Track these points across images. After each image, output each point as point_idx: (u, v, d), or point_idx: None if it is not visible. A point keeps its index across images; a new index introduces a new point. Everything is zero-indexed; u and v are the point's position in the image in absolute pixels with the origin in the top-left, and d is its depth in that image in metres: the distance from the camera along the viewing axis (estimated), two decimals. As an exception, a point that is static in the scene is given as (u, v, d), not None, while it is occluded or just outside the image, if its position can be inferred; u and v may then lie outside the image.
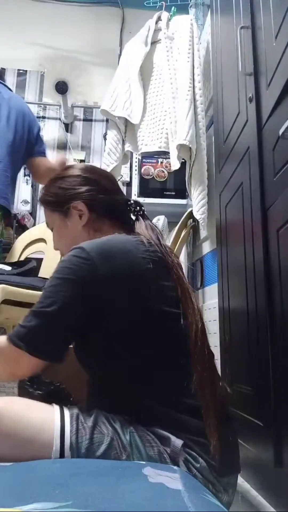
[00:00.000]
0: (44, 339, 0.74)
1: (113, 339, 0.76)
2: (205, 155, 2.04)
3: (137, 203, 0.97)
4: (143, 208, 0.97)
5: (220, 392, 0.78)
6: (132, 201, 0.97)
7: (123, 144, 2.29)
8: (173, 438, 0.69)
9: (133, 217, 0.96)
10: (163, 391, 0.74)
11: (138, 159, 2.89)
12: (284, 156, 1.04)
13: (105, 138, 3.55)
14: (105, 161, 2.34)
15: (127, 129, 2.28)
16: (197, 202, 2.04)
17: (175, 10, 2.34)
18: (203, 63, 2.29)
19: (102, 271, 0.74)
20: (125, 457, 0.66)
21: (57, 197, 0.96)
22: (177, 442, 0.69)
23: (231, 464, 0.75)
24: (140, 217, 0.95)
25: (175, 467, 0.64)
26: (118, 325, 0.76)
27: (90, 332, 0.78)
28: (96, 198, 0.93)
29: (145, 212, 0.97)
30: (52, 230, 1.01)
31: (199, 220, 2.03)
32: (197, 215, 2.03)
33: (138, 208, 0.96)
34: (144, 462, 0.64)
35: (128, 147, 2.26)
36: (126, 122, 2.25)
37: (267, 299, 1.10)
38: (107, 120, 3.60)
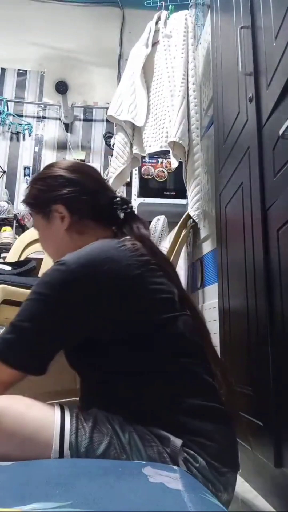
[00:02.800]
0: (22, 352, 0.73)
1: (107, 346, 0.76)
2: (199, 151, 2.02)
3: (124, 200, 0.93)
4: (130, 205, 0.94)
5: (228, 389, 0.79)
6: (118, 199, 0.93)
7: (131, 147, 2.30)
8: (172, 437, 0.69)
9: (121, 215, 0.92)
10: (162, 392, 0.74)
11: (138, 159, 2.89)
12: (284, 156, 1.04)
13: (105, 138, 3.56)
14: (113, 165, 2.35)
15: (135, 132, 2.28)
16: (191, 199, 2.05)
17: (172, 7, 2.33)
18: (203, 63, 2.29)
19: (85, 285, 0.73)
20: (125, 457, 0.66)
21: (38, 199, 0.94)
22: (177, 441, 0.69)
23: (231, 462, 0.75)
24: (128, 215, 0.92)
25: (175, 467, 0.64)
26: (112, 333, 0.75)
27: (83, 341, 0.78)
28: (77, 200, 0.90)
29: (133, 209, 0.93)
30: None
31: (193, 217, 2.03)
32: (191, 212, 2.03)
33: (125, 206, 0.92)
34: (144, 462, 0.64)
35: (135, 149, 2.26)
36: (133, 125, 2.25)
37: (267, 299, 1.10)
38: (107, 120, 3.61)
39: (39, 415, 0.69)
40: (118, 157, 2.30)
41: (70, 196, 0.90)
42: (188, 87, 2.06)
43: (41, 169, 3.41)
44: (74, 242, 0.87)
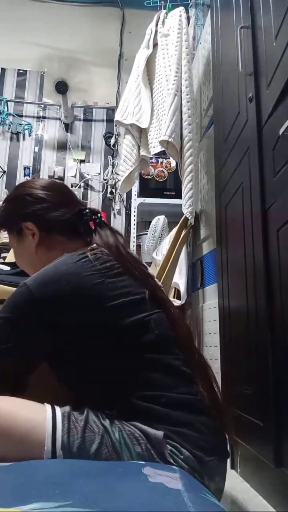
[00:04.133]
0: None
1: (79, 356, 0.78)
2: (191, 148, 2.00)
3: (92, 211, 0.97)
4: (99, 215, 0.97)
5: (210, 379, 0.80)
6: (87, 211, 0.97)
7: (139, 149, 2.30)
8: (152, 430, 0.70)
9: (91, 226, 0.96)
10: (140, 388, 0.75)
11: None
12: (284, 156, 1.04)
13: (105, 138, 3.56)
14: (121, 168, 2.35)
15: (142, 134, 2.29)
16: (183, 196, 2.04)
17: (170, 6, 2.33)
18: (203, 63, 2.29)
19: (46, 303, 0.76)
20: (115, 456, 0.67)
21: (9, 219, 1.00)
22: (158, 433, 0.69)
23: (215, 451, 0.75)
24: (97, 225, 0.95)
25: (175, 467, 0.64)
26: (80, 343, 0.77)
27: (54, 354, 0.80)
28: (45, 216, 0.94)
29: (102, 219, 0.97)
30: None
31: (186, 215, 2.03)
32: (184, 210, 2.03)
33: (94, 216, 0.96)
34: (143, 462, 0.64)
35: (142, 151, 2.27)
36: (140, 127, 2.25)
37: (267, 299, 1.10)
38: (107, 120, 3.61)
39: (30, 416, 0.69)
40: (126, 160, 2.30)
41: (38, 213, 0.95)
42: (181, 83, 2.05)
43: (40, 169, 3.41)
44: (45, 257, 0.91)
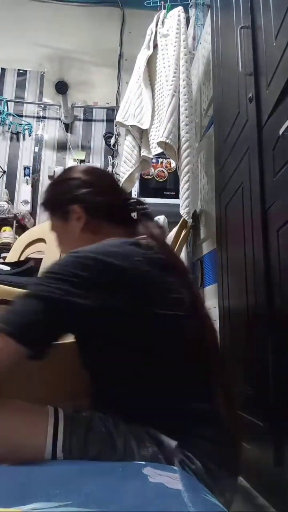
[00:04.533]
0: (31, 327, 0.69)
1: (115, 343, 0.76)
2: (188, 148, 1.99)
3: (138, 202, 0.96)
4: (144, 206, 0.95)
5: (231, 394, 0.79)
6: (133, 200, 0.96)
7: (139, 150, 2.30)
8: (167, 439, 0.69)
9: (135, 217, 0.94)
10: (163, 394, 0.74)
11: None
12: (284, 156, 1.04)
13: (105, 138, 3.56)
14: (122, 169, 2.35)
15: (143, 135, 2.29)
16: (181, 197, 2.04)
17: (169, 5, 2.33)
18: (203, 63, 2.29)
19: (95, 270, 0.73)
20: (117, 459, 0.66)
21: (56, 201, 0.97)
22: (171, 442, 0.69)
23: (229, 466, 0.75)
24: (142, 216, 0.94)
25: (175, 467, 0.64)
26: (119, 329, 0.75)
27: (89, 335, 0.78)
28: (93, 201, 0.93)
29: (148, 211, 0.95)
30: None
31: (183, 216, 2.03)
32: (181, 210, 2.03)
33: (139, 207, 0.95)
34: (144, 463, 0.64)
35: (143, 152, 2.27)
36: (140, 128, 2.26)
37: (267, 299, 1.10)
38: (107, 120, 3.61)
39: (33, 419, 0.69)
40: (127, 161, 2.31)
41: (86, 197, 0.93)
42: (179, 84, 2.05)
43: (40, 169, 3.39)
44: (89, 241, 0.86)
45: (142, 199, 0.97)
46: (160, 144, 2.00)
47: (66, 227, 0.95)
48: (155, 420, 0.72)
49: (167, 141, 1.95)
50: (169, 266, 0.81)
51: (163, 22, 2.27)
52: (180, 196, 2.06)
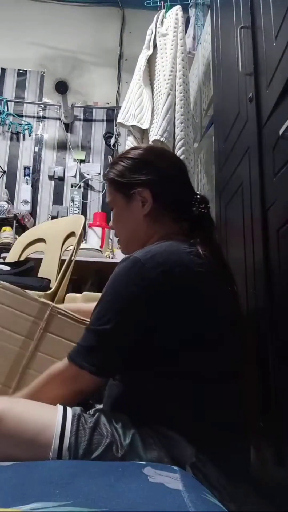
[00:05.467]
0: (103, 357, 0.74)
1: (156, 351, 0.76)
2: (183, 146, 1.98)
3: (202, 199, 0.91)
4: (208, 206, 0.91)
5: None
6: (198, 196, 0.91)
7: None
8: (185, 443, 0.69)
9: (196, 214, 0.90)
10: (189, 399, 0.74)
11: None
12: (284, 156, 1.04)
13: (105, 138, 3.56)
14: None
15: (144, 135, 2.29)
16: None
17: (168, 5, 2.33)
18: (203, 63, 2.29)
19: (160, 283, 0.72)
20: (121, 460, 0.66)
21: (124, 179, 0.91)
22: (189, 448, 0.69)
23: (242, 477, 0.75)
24: (202, 216, 0.89)
25: (175, 467, 0.64)
26: (166, 340, 0.74)
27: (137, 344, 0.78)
28: (160, 188, 0.89)
29: (208, 212, 0.91)
30: (112, 210, 0.97)
31: None
32: None
33: (202, 205, 0.90)
34: (144, 463, 0.64)
35: None
36: (142, 129, 2.26)
37: (267, 299, 1.10)
38: (107, 120, 3.61)
39: (41, 416, 0.69)
40: None
41: (156, 183, 0.89)
42: (175, 82, 2.04)
43: (40, 169, 3.36)
44: (149, 229, 0.87)
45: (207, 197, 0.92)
46: (155, 142, 2.00)
47: (127, 208, 0.91)
48: (177, 422, 0.71)
49: (161, 139, 1.95)
50: (220, 281, 0.80)
51: (162, 22, 2.28)
52: None
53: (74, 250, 1.66)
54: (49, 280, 1.66)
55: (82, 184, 3.44)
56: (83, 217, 1.90)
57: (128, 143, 2.35)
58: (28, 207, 3.29)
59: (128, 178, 0.91)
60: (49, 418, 0.69)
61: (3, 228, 2.98)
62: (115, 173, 0.94)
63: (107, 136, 3.54)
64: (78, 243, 1.70)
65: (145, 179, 0.89)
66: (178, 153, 1.99)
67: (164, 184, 0.89)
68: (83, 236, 2.16)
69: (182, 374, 0.74)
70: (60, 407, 0.72)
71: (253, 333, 1.20)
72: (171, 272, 0.73)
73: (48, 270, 1.79)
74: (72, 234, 1.84)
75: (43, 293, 1.50)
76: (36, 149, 3.49)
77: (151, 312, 0.73)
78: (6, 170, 3.41)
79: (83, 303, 1.43)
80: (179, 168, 0.95)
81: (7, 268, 1.65)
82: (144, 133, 2.28)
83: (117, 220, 0.96)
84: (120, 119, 2.33)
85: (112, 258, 2.80)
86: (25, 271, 1.66)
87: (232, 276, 0.86)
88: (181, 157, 1.99)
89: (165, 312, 0.73)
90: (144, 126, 2.19)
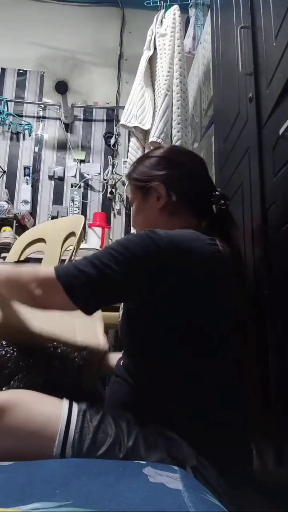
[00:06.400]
0: (86, 290, 0.73)
1: (157, 331, 0.76)
2: (182, 146, 2.00)
3: (222, 195, 0.92)
4: (227, 202, 0.92)
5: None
6: (217, 193, 0.92)
7: (144, 151, 2.31)
8: (184, 444, 0.69)
9: (215, 210, 0.91)
10: (191, 399, 0.74)
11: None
12: (284, 156, 1.04)
13: (105, 138, 3.56)
14: (127, 171, 2.35)
15: (147, 136, 2.29)
16: None
17: (167, 5, 2.33)
18: (203, 63, 2.29)
19: (168, 261, 0.73)
20: (123, 459, 0.66)
21: (141, 175, 0.96)
22: (187, 448, 0.69)
23: (243, 479, 0.75)
24: (221, 212, 0.90)
25: (175, 467, 0.63)
26: (166, 319, 0.75)
27: (139, 313, 0.79)
28: (177, 183, 0.91)
29: (227, 209, 0.91)
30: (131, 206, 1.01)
31: None
32: None
33: (222, 201, 0.91)
34: (144, 462, 0.64)
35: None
36: (144, 129, 2.26)
37: (267, 299, 1.10)
38: (107, 120, 3.61)
39: (46, 410, 0.69)
40: (131, 162, 2.31)
41: (171, 178, 0.92)
42: (172, 82, 2.04)
43: (40, 169, 3.38)
44: (164, 223, 0.88)
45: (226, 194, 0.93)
46: (153, 144, 2.00)
47: (145, 203, 0.94)
48: (179, 424, 0.71)
49: (158, 140, 1.95)
50: (235, 278, 0.80)
51: (161, 22, 2.28)
52: None
53: (74, 250, 1.66)
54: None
55: (82, 184, 3.44)
56: (83, 217, 1.90)
57: (131, 144, 2.36)
58: (28, 207, 3.29)
59: (145, 175, 0.95)
60: (54, 413, 0.68)
61: (3, 228, 2.98)
62: (133, 171, 0.99)
63: (107, 136, 3.54)
64: (78, 243, 1.70)
65: (160, 174, 0.92)
66: None
67: (180, 179, 0.92)
68: (83, 236, 2.16)
69: (182, 373, 0.74)
70: (65, 401, 0.71)
71: (253, 333, 1.20)
72: (187, 252, 0.74)
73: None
74: (72, 234, 1.84)
75: None
76: (36, 149, 3.49)
77: (152, 279, 0.73)
78: (6, 170, 3.41)
79: None
80: (198, 165, 0.97)
81: (6, 268, 1.65)
82: (146, 134, 2.28)
83: (136, 214, 0.99)
84: (122, 120, 2.34)
85: (112, 258, 2.79)
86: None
87: (246, 279, 0.87)
88: None
89: (167, 289, 0.73)
90: (146, 127, 2.19)
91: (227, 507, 0.66)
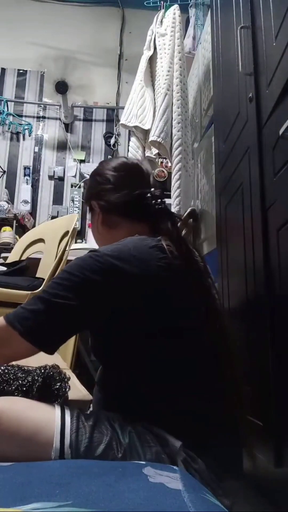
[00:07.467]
0: (41, 327, 0.73)
1: (124, 342, 0.77)
2: (180, 146, 1.99)
3: (155, 195, 0.91)
4: (163, 201, 0.91)
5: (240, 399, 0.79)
6: (150, 194, 0.91)
7: (144, 150, 2.31)
8: (171, 439, 0.69)
9: (153, 211, 0.90)
10: (169, 393, 0.74)
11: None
12: (284, 156, 1.04)
13: (105, 138, 3.56)
14: None
15: (147, 135, 2.29)
16: (172, 195, 2.05)
17: (167, 5, 2.33)
18: (203, 63, 2.29)
19: (112, 275, 0.74)
20: (122, 458, 0.66)
21: (84, 197, 1.05)
22: (176, 442, 0.69)
23: (234, 469, 0.75)
24: (159, 212, 0.90)
25: (175, 467, 0.63)
26: (130, 329, 0.75)
27: (101, 331, 0.79)
28: (106, 196, 0.94)
29: (164, 207, 0.91)
30: None
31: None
32: (172, 209, 2.03)
33: (154, 201, 0.90)
34: (144, 462, 0.64)
35: (147, 152, 2.27)
36: (144, 129, 2.26)
37: (267, 299, 1.10)
38: (107, 120, 3.61)
39: (40, 415, 0.69)
40: None
41: (101, 193, 0.95)
42: (172, 82, 2.04)
43: (40, 169, 3.40)
44: (108, 236, 0.92)
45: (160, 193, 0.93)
46: (153, 143, 2.00)
47: (93, 222, 1.00)
48: (161, 419, 0.72)
49: (158, 139, 1.95)
50: (186, 274, 0.80)
51: (161, 22, 2.28)
52: (171, 194, 2.07)
53: (67, 247, 1.68)
54: (43, 280, 1.67)
55: (82, 184, 3.44)
56: (76, 215, 1.91)
57: (131, 144, 2.36)
58: (28, 207, 3.29)
59: (84, 196, 1.06)
60: (48, 417, 0.69)
61: (3, 228, 2.98)
62: (84, 191, 1.05)
63: (107, 136, 3.55)
64: (69, 240, 1.72)
65: (93, 191, 0.98)
66: (175, 153, 2.00)
67: (105, 193, 0.95)
68: (75, 234, 2.16)
69: (157, 371, 0.75)
70: (57, 406, 0.72)
71: (253, 333, 1.20)
72: (128, 261, 0.75)
73: (46, 269, 1.80)
74: (67, 233, 1.85)
75: (30, 292, 1.50)
76: (36, 149, 3.50)
77: (105, 296, 0.74)
78: (6, 170, 3.41)
79: None
80: (124, 172, 0.97)
81: (3, 268, 1.66)
82: (146, 133, 2.28)
83: (92, 233, 1.04)
84: (122, 120, 2.34)
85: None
86: (18, 271, 1.67)
87: (204, 269, 0.86)
88: (178, 157, 2.00)
89: (122, 300, 0.74)
90: (146, 126, 2.19)
91: (221, 499, 0.67)
